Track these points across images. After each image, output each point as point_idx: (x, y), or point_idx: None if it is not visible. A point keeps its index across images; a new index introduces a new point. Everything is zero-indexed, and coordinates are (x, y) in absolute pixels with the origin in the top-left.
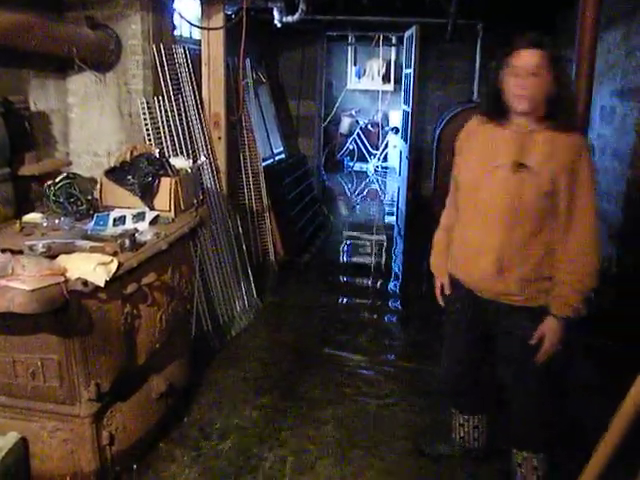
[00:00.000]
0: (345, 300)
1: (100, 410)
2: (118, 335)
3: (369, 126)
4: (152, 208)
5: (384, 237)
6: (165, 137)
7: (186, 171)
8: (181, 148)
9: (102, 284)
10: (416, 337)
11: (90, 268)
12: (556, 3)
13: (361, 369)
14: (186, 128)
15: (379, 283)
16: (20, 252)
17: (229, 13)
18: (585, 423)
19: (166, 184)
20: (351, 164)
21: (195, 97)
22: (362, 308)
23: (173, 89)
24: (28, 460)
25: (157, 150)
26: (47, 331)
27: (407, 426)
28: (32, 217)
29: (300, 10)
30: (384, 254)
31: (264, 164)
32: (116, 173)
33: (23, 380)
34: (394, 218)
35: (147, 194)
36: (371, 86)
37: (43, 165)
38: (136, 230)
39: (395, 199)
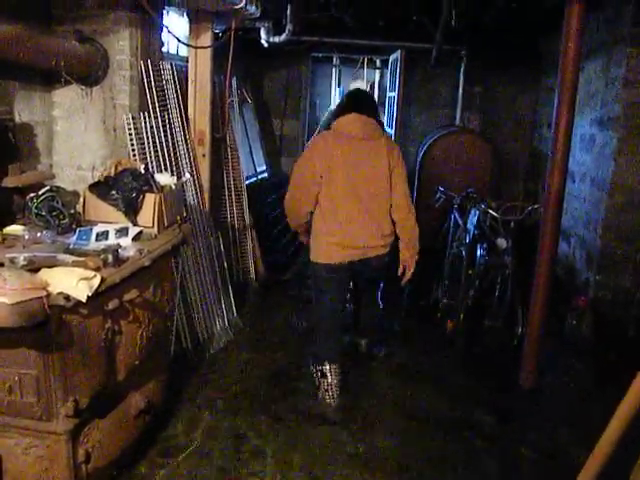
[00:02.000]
0: None
1: (77, 427)
2: (98, 351)
3: None
4: (135, 224)
5: None
6: (150, 153)
7: (170, 188)
8: (165, 164)
9: (84, 299)
10: (400, 358)
11: (72, 283)
12: (538, 31)
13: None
14: (171, 144)
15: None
16: (1, 265)
17: (217, 31)
18: None
19: (150, 200)
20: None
21: (181, 114)
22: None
23: (159, 105)
24: (1, 477)
25: (142, 166)
26: (26, 345)
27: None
28: (13, 229)
29: (287, 31)
30: None
31: (247, 182)
32: (100, 188)
33: None
34: None
35: (131, 210)
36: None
37: (26, 177)
38: (119, 245)
39: None
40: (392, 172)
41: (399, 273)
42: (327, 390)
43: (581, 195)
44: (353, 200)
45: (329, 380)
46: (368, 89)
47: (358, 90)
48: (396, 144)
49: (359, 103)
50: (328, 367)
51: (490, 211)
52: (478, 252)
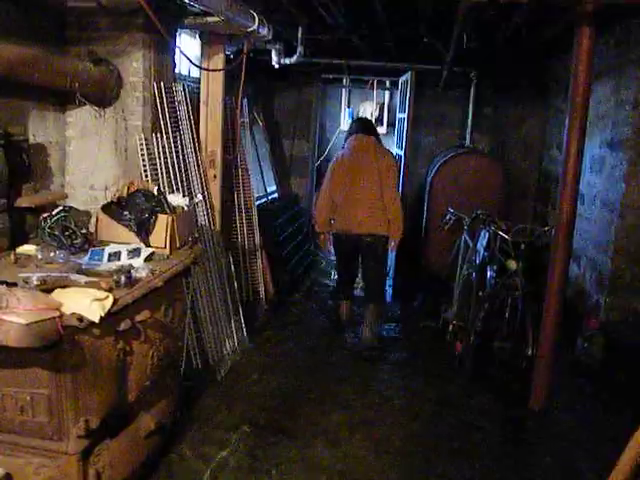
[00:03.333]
0: (333, 340)
1: (88, 447)
2: (110, 371)
3: None
4: (148, 244)
5: None
6: (162, 174)
7: (182, 208)
8: (177, 185)
9: (97, 320)
10: (408, 379)
11: (85, 303)
12: (548, 52)
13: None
14: (182, 165)
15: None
16: (14, 284)
17: (228, 53)
18: None
19: (162, 221)
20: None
21: (192, 135)
22: (349, 349)
23: (171, 126)
24: None
25: (154, 187)
26: (39, 365)
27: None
28: (27, 249)
29: (298, 53)
30: None
31: (257, 203)
32: (112, 208)
33: (11, 414)
34: None
35: (143, 230)
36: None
37: (39, 197)
38: (131, 266)
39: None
40: (384, 176)
41: (390, 246)
42: (341, 313)
43: (591, 217)
44: (358, 194)
45: (342, 308)
46: (378, 110)
47: (360, 117)
48: (390, 156)
49: (361, 126)
50: (343, 300)
51: (500, 232)
52: (488, 273)
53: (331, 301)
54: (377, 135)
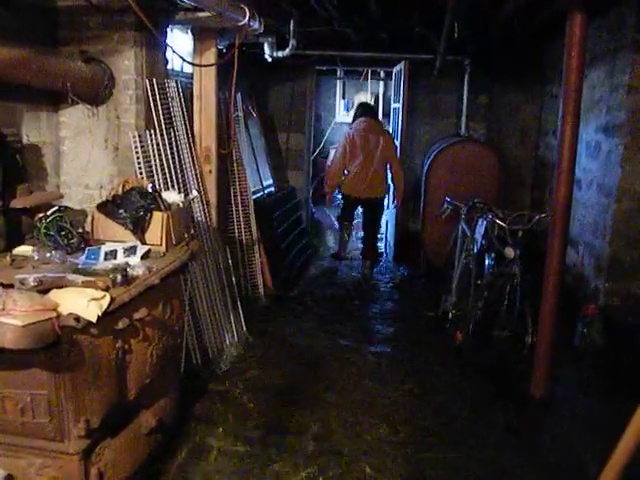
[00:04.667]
0: (332, 334)
1: (89, 446)
2: (109, 370)
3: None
4: (144, 242)
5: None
6: (156, 170)
7: (178, 205)
8: (172, 181)
9: (94, 320)
10: (408, 369)
11: (82, 303)
12: (541, 39)
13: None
14: (177, 161)
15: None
16: (11, 286)
17: (220, 47)
18: None
19: (158, 218)
20: (339, 196)
21: (186, 130)
22: (350, 342)
23: (165, 123)
24: None
25: (149, 184)
26: (37, 366)
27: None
28: (23, 250)
29: (291, 45)
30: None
31: (254, 197)
32: (108, 207)
33: (12, 416)
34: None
35: (139, 228)
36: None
37: (34, 198)
38: (128, 264)
39: (384, 232)
40: (386, 150)
41: (394, 202)
42: (345, 233)
43: (588, 202)
44: (364, 166)
45: (346, 229)
46: (372, 101)
47: (363, 102)
48: (389, 134)
49: (365, 111)
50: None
51: (497, 220)
52: (486, 262)
53: (338, 225)
54: (377, 117)
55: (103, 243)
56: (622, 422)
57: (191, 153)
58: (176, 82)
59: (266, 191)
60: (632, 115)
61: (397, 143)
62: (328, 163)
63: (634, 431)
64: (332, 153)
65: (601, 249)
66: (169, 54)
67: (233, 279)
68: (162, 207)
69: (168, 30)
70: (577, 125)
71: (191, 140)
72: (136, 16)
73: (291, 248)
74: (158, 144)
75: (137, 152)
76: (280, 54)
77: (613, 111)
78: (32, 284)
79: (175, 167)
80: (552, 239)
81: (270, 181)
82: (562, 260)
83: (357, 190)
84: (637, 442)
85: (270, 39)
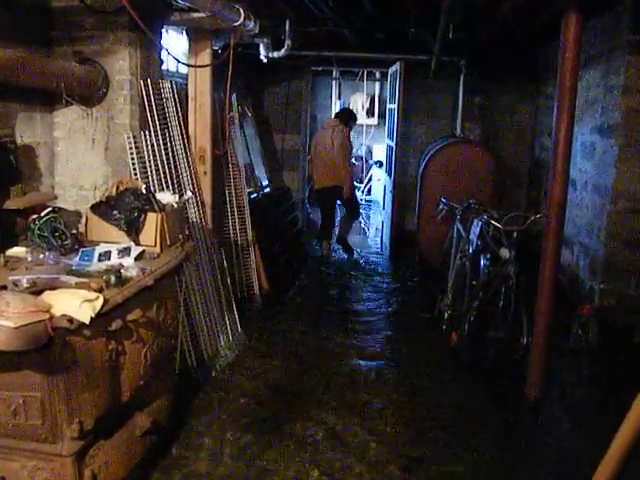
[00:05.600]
0: (328, 335)
1: (83, 448)
2: (103, 372)
3: (353, 159)
4: (138, 243)
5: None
6: (151, 171)
7: (172, 206)
8: (167, 182)
9: (87, 321)
10: (403, 371)
11: (75, 305)
12: (537, 40)
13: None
14: (172, 162)
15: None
16: (4, 287)
17: (216, 48)
18: None
19: (152, 219)
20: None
21: (181, 131)
22: (344, 343)
23: (160, 123)
24: None
25: (143, 185)
26: (30, 368)
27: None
28: (16, 251)
29: (286, 46)
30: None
31: (249, 198)
32: (102, 208)
33: (4, 418)
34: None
35: (133, 229)
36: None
37: (28, 199)
38: (121, 266)
39: (380, 232)
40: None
41: (344, 196)
42: (323, 248)
43: (583, 203)
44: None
45: (324, 245)
46: (368, 101)
47: (342, 108)
48: (343, 132)
49: (336, 114)
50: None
51: (492, 221)
52: (481, 263)
53: (317, 240)
54: (345, 118)
55: (97, 244)
56: (618, 422)
57: (186, 154)
58: (171, 83)
59: (261, 192)
60: (627, 116)
61: (393, 144)
62: None
63: (631, 422)
64: None
65: (596, 250)
66: (164, 55)
67: (228, 279)
68: (156, 208)
69: (163, 31)
70: (572, 126)
71: (186, 141)
72: (130, 17)
73: (286, 249)
74: (153, 145)
75: (131, 153)
76: (275, 55)
77: (608, 112)
78: (25, 285)
79: (170, 168)
80: (547, 240)
81: (266, 182)
82: (557, 261)
83: (319, 181)
84: (635, 434)
85: (265, 40)
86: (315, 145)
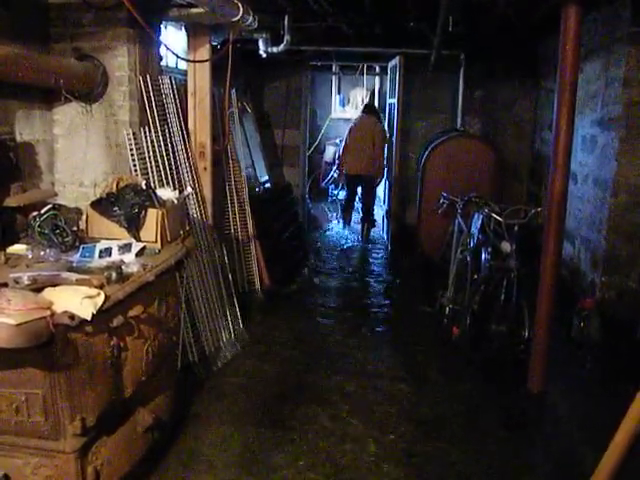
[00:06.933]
0: (330, 329)
1: (85, 445)
2: (104, 368)
3: None
4: (138, 239)
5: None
6: (151, 167)
7: (172, 202)
8: (167, 178)
9: (89, 318)
10: (407, 365)
11: (76, 301)
12: (537, 33)
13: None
14: (172, 158)
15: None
16: (5, 285)
17: (215, 43)
18: None
19: (152, 215)
20: (336, 192)
21: (181, 127)
22: (347, 338)
23: (159, 119)
24: None
25: (143, 181)
26: (32, 365)
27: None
28: (17, 248)
29: (285, 41)
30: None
31: (249, 193)
32: (102, 204)
33: (6, 415)
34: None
35: (133, 225)
36: (355, 114)
37: (28, 196)
38: (122, 262)
39: (380, 227)
40: (376, 139)
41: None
42: (346, 217)
43: (584, 196)
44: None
45: (346, 214)
46: (368, 96)
47: (367, 104)
48: (381, 127)
49: (365, 109)
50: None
51: (493, 215)
52: (483, 256)
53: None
54: (377, 114)
55: (98, 241)
56: (619, 415)
57: (186, 150)
58: (170, 78)
59: (262, 187)
60: (627, 108)
61: (393, 138)
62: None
63: (632, 418)
64: (329, 149)
65: (597, 243)
66: (163, 50)
67: (229, 275)
68: (157, 204)
69: (162, 26)
70: (572, 119)
71: (186, 137)
72: (129, 13)
73: (287, 244)
74: (152, 141)
75: (131, 149)
76: (275, 50)
77: (609, 105)
78: (26, 282)
79: (170, 164)
80: (548, 233)
81: (266, 177)
82: (558, 254)
83: (355, 168)
84: (636, 429)
85: (264, 35)
86: (354, 136)
